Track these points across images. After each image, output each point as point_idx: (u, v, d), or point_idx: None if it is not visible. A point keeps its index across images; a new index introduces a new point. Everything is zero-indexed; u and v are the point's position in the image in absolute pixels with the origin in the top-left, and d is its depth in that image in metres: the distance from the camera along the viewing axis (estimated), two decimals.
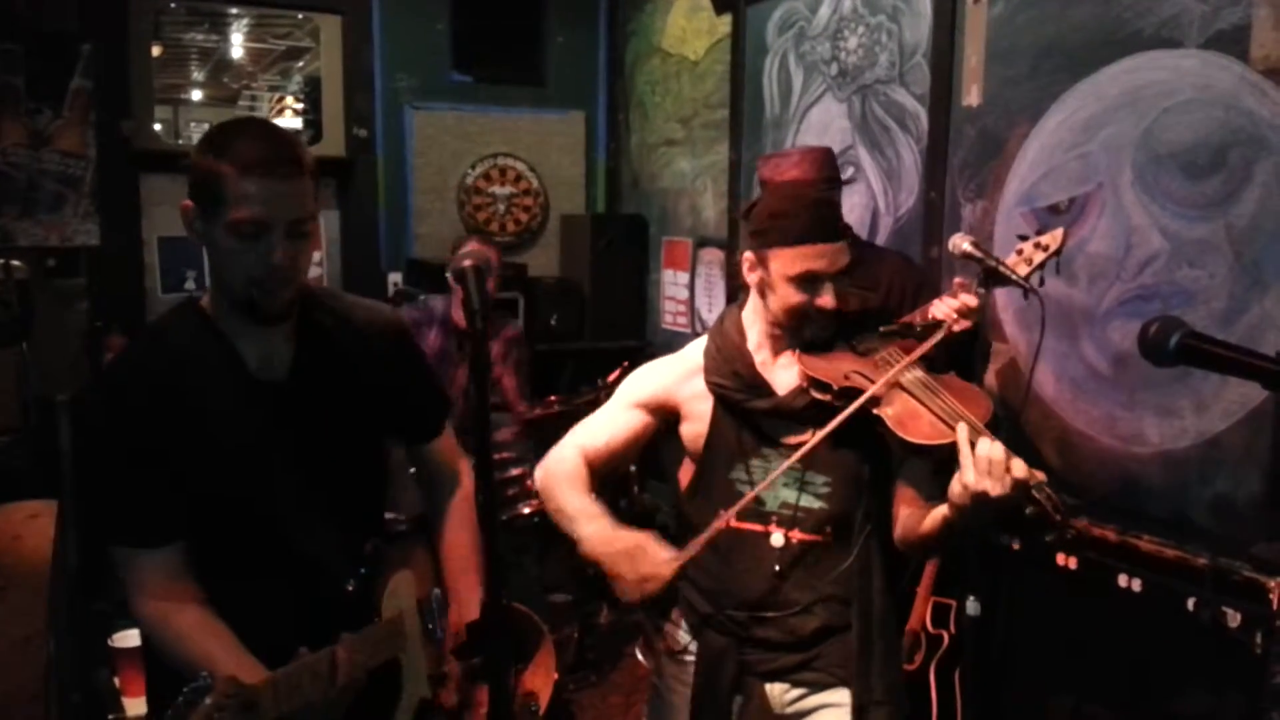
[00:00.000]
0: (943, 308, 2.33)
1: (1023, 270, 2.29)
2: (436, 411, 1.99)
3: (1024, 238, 2.37)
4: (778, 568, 1.96)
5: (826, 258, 1.87)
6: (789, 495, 1.96)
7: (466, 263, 1.47)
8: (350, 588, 1.72)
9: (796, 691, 1.99)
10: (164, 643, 1.60)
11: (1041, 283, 2.34)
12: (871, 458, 1.95)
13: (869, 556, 1.96)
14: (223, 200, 1.54)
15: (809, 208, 1.91)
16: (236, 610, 1.63)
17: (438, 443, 1.98)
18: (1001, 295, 3.02)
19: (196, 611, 1.61)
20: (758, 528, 1.97)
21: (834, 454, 1.93)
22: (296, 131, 5.53)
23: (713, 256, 4.90)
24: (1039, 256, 2.31)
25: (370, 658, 1.66)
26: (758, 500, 1.95)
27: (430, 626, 1.84)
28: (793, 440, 1.94)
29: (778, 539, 1.95)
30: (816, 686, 1.97)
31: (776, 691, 1.99)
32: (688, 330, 5.17)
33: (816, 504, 1.95)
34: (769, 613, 1.96)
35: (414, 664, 1.78)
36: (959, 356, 2.30)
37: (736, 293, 4.68)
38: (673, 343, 5.36)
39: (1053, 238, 2.32)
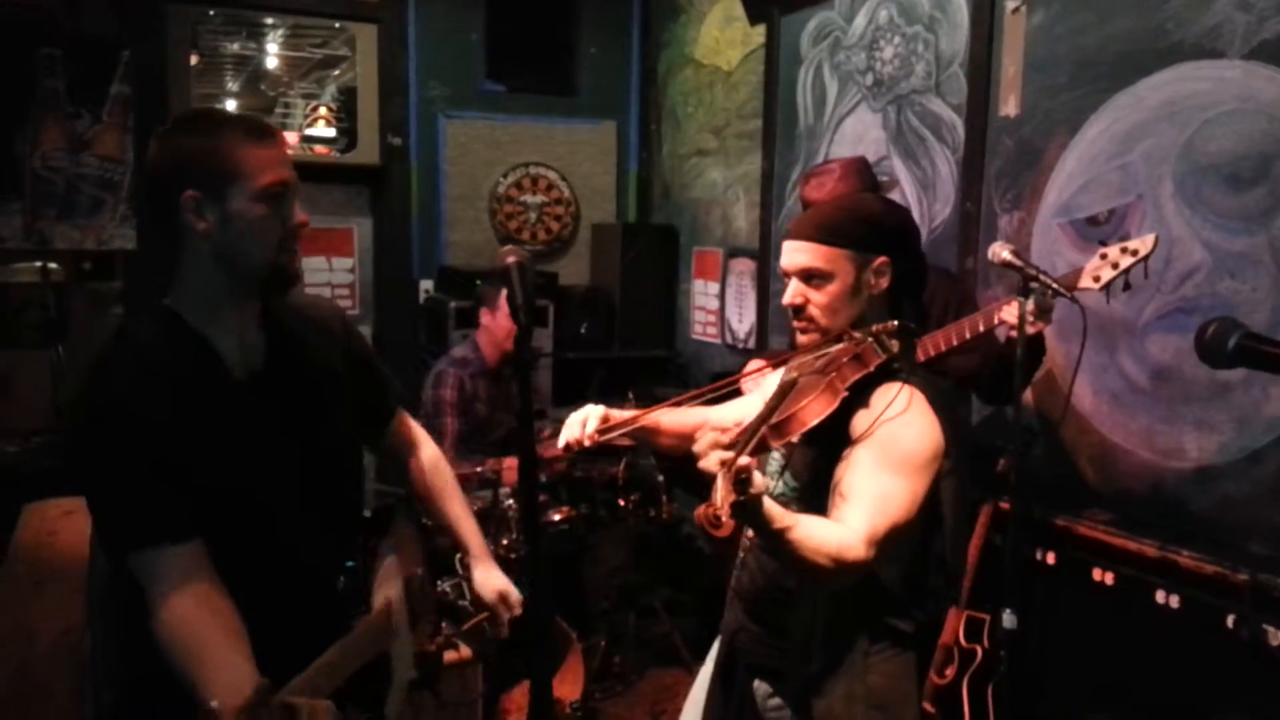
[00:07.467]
0: (1010, 312, 2.33)
1: (1106, 274, 2.26)
2: (392, 388, 2.00)
3: (1103, 242, 2.35)
4: (750, 555, 1.97)
5: (789, 254, 1.87)
6: (773, 485, 1.94)
7: (510, 259, 1.47)
8: (340, 585, 1.71)
9: (775, 700, 1.96)
10: (183, 653, 1.45)
11: (1127, 286, 2.31)
12: (830, 462, 1.87)
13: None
14: (240, 173, 1.55)
15: (818, 205, 1.92)
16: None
17: (396, 420, 1.99)
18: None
19: (230, 619, 1.51)
20: None
21: (807, 453, 1.90)
22: (330, 140, 5.58)
23: (744, 267, 4.89)
24: (1126, 261, 2.27)
25: (359, 658, 1.62)
26: None
27: (415, 610, 1.84)
28: None
29: None
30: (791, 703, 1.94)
31: (761, 692, 1.98)
32: (717, 340, 5.16)
33: (793, 496, 1.91)
34: (754, 603, 1.97)
35: (402, 650, 1.79)
36: (1030, 358, 2.31)
37: (767, 304, 4.66)
38: (701, 353, 5.39)
39: (1143, 243, 2.27)
